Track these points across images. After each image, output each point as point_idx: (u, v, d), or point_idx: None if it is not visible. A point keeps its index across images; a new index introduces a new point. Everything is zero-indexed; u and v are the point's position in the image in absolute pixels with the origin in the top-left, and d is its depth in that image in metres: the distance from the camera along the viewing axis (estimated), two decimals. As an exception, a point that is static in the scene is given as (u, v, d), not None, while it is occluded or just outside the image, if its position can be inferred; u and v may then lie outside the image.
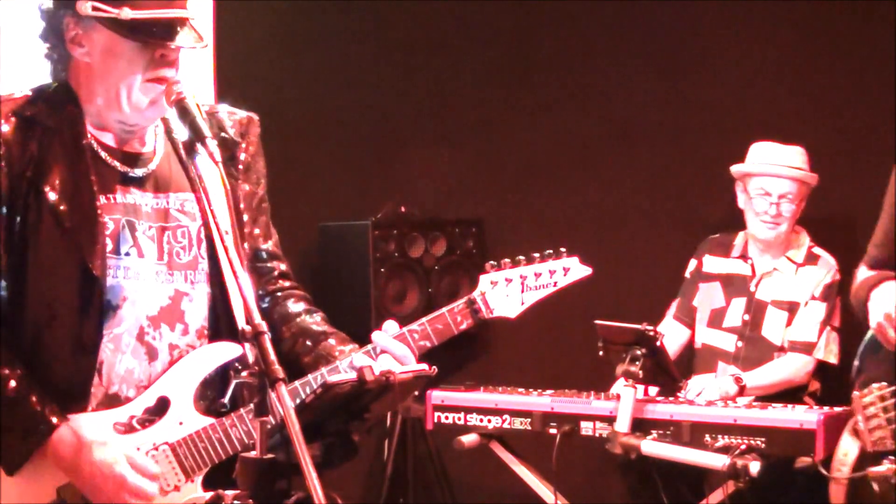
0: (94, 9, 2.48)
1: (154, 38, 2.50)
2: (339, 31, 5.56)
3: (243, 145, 2.75)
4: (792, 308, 4.66)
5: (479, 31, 5.70)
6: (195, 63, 4.00)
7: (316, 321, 2.79)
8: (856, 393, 3.06)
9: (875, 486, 3.02)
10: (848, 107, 5.15)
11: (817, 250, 4.74)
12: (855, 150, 5.15)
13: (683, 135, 5.34)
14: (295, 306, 2.80)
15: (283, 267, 2.85)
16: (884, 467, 2.99)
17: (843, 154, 5.19)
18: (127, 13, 2.47)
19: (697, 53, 5.43)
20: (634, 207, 5.55)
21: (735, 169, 4.81)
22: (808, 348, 4.60)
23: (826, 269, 4.68)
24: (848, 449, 3.20)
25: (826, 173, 5.02)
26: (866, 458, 3.11)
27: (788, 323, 4.66)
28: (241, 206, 2.71)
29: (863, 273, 3.26)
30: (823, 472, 3.38)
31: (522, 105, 5.68)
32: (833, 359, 4.63)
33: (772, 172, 4.71)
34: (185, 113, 2.46)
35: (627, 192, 5.56)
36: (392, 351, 2.63)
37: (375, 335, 2.67)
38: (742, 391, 4.41)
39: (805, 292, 4.65)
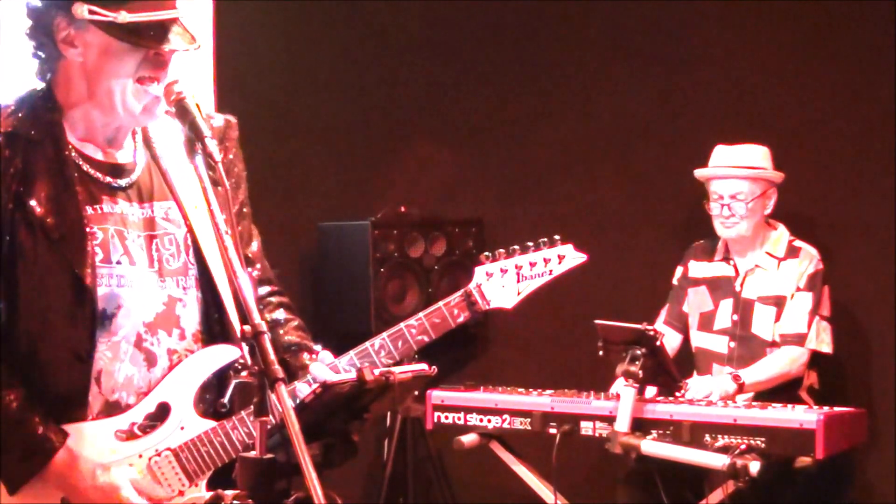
0: (91, 12, 2.47)
1: (150, 40, 2.49)
2: (339, 31, 5.55)
3: (221, 151, 2.73)
4: (779, 302, 4.66)
5: (478, 32, 5.70)
6: (195, 63, 4.00)
7: (287, 330, 2.77)
8: None
9: None
10: (848, 106, 5.15)
11: (798, 243, 4.72)
12: (854, 148, 5.15)
13: (684, 136, 5.34)
14: (270, 315, 2.79)
15: (260, 271, 2.82)
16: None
17: (841, 153, 5.18)
18: (124, 16, 2.46)
19: (699, 56, 5.43)
20: (635, 207, 5.54)
21: (696, 174, 4.84)
22: (800, 339, 4.60)
23: (808, 259, 4.66)
24: None
25: (823, 172, 5.03)
26: None
27: (777, 318, 4.65)
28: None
29: None
30: None
31: (522, 105, 5.67)
32: (826, 348, 4.63)
33: (719, 174, 4.75)
34: (184, 113, 2.45)
35: (628, 192, 5.56)
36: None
37: (312, 366, 2.64)
38: (741, 389, 4.41)
39: (790, 285, 4.65)
